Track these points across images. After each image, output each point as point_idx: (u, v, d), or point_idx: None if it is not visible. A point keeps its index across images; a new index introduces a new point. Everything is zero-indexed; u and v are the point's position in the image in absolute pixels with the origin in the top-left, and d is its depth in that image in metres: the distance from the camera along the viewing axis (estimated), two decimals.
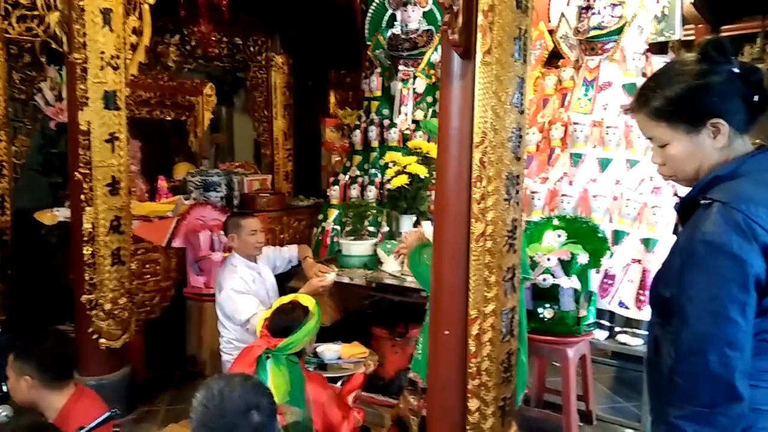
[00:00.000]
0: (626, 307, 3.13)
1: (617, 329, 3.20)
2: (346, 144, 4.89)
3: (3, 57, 3.80)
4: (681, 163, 1.28)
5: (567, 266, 2.89)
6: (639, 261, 3.13)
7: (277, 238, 4.54)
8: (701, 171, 1.26)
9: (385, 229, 3.44)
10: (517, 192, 1.95)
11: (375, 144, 3.89)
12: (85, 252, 3.13)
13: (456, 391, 1.97)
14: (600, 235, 2.99)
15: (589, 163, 3.41)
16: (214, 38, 5.01)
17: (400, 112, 3.90)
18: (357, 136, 3.98)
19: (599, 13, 3.39)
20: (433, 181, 2.73)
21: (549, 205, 3.41)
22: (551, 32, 3.88)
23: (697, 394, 1.14)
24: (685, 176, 1.30)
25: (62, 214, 3.84)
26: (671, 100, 1.25)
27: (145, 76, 5.09)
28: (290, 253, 3.40)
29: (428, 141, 3.50)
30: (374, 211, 3.47)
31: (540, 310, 2.86)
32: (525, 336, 2.36)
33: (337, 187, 3.97)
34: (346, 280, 3.21)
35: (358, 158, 4.00)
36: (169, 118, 5.77)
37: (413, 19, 3.80)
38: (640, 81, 3.23)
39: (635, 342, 3.07)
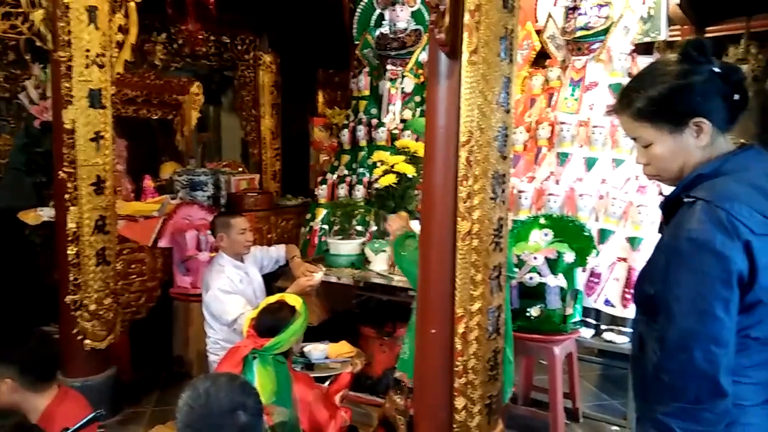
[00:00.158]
0: (612, 306, 3.16)
1: (603, 327, 3.23)
2: (334, 143, 4.88)
3: None
4: (665, 163, 1.29)
5: (553, 265, 2.91)
6: (625, 259, 3.16)
7: (265, 238, 4.53)
8: (685, 170, 1.28)
9: (373, 228, 3.44)
10: (503, 191, 1.96)
11: (363, 143, 3.89)
12: (69, 252, 3.10)
13: (443, 390, 1.97)
14: (586, 233, 3.02)
15: (576, 163, 3.43)
16: (201, 37, 4.99)
17: (388, 112, 3.90)
18: (345, 135, 3.98)
19: (586, 13, 3.42)
20: (421, 180, 2.74)
21: (536, 204, 3.43)
22: (538, 32, 3.90)
23: (683, 391, 1.15)
24: (670, 175, 1.31)
25: (46, 213, 3.79)
26: (654, 101, 1.26)
27: (132, 75, 5.06)
28: (278, 252, 3.39)
29: (416, 140, 3.50)
30: (362, 211, 3.46)
31: (529, 309, 2.88)
32: (511, 334, 2.37)
33: (325, 186, 3.96)
34: (333, 279, 3.21)
35: (346, 157, 3.99)
36: (155, 117, 5.73)
37: (401, 18, 3.80)
38: (626, 81, 3.24)
39: (621, 340, 3.09)
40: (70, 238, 3.09)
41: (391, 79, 3.89)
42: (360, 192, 3.72)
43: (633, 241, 3.13)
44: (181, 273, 3.94)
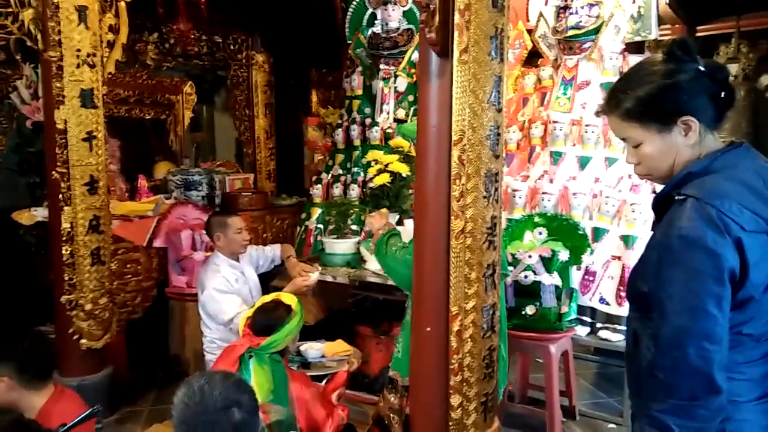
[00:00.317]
0: (607, 304, 3.18)
1: (599, 325, 3.25)
2: (328, 143, 4.88)
3: None
4: (655, 162, 1.30)
5: (548, 263, 2.92)
6: (619, 258, 3.18)
7: (260, 238, 4.52)
8: (675, 168, 1.28)
9: (368, 227, 3.45)
10: (496, 189, 1.96)
11: (357, 143, 3.90)
12: (64, 252, 3.09)
13: (438, 388, 1.98)
14: (580, 232, 3.03)
15: (569, 162, 3.45)
16: (193, 36, 4.97)
17: (381, 111, 3.91)
18: (339, 134, 3.99)
19: (577, 12, 3.44)
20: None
21: (530, 203, 3.44)
22: (530, 32, 3.92)
23: (678, 388, 1.16)
24: (660, 174, 1.32)
25: (40, 213, 3.78)
26: (642, 101, 1.27)
27: (124, 75, 5.04)
28: (273, 252, 3.39)
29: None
30: (357, 210, 3.47)
31: (524, 308, 2.90)
32: (505, 332, 2.38)
33: (319, 185, 3.97)
34: (329, 278, 3.21)
35: (340, 157, 4.00)
36: (148, 117, 5.72)
37: (393, 18, 3.81)
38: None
39: (616, 338, 3.11)
40: (64, 238, 3.09)
41: (384, 79, 3.90)
42: (355, 191, 3.73)
43: (627, 240, 3.15)
44: (177, 273, 3.94)
